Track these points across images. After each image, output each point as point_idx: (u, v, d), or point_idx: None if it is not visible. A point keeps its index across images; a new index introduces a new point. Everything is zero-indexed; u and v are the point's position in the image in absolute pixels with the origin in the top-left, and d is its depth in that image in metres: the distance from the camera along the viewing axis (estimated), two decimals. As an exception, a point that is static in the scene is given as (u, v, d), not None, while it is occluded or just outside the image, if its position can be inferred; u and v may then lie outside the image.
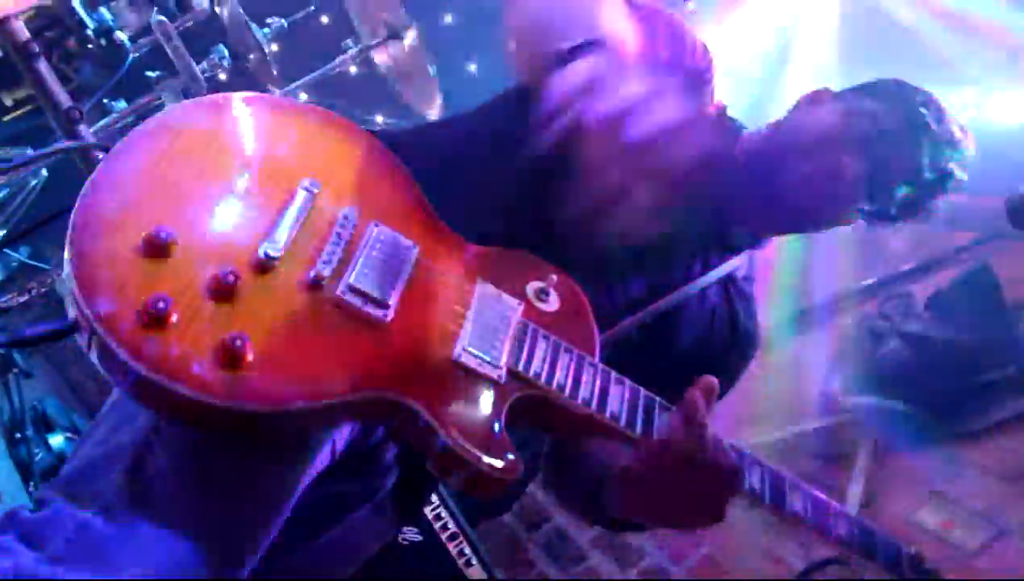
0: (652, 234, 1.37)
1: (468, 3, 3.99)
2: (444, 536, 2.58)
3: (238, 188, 1.06)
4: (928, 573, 1.41)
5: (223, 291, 0.97)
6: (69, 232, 0.95)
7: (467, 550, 2.60)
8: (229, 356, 0.93)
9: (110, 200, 0.98)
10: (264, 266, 1.01)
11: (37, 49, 1.54)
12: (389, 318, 1.05)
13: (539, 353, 1.12)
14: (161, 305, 0.92)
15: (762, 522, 3.04)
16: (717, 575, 2.96)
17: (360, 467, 1.30)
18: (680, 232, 1.45)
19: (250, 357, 0.94)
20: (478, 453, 1.00)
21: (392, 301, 1.06)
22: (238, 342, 0.93)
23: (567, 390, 1.12)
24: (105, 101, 2.56)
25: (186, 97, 2.45)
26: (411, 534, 2.60)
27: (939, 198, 1.48)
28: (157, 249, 0.96)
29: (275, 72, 2.69)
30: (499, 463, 1.01)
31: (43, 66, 1.57)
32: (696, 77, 1.44)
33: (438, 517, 2.62)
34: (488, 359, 1.08)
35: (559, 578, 3.28)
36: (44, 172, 2.74)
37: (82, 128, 1.49)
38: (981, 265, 3.09)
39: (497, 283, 1.18)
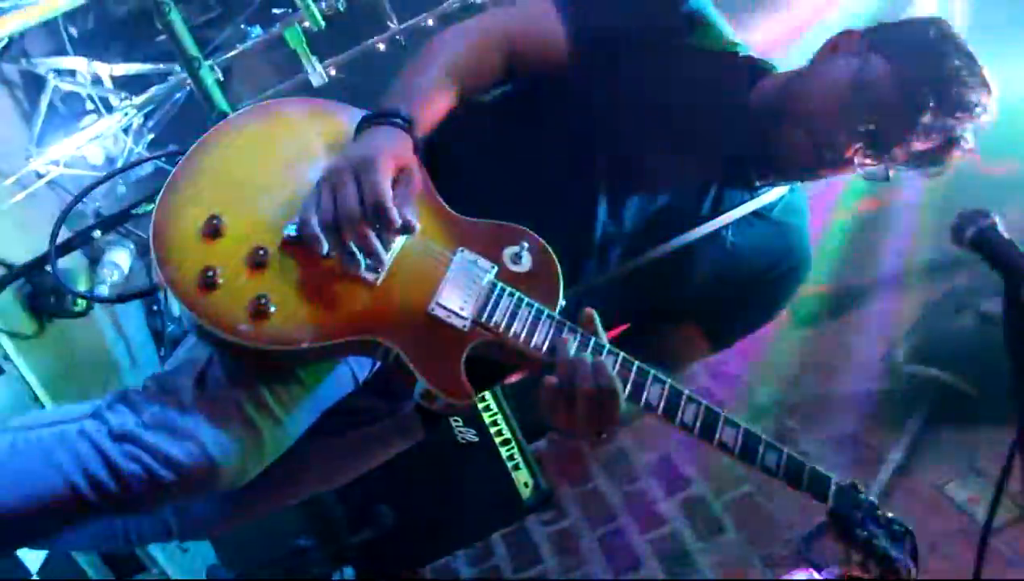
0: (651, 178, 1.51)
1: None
2: (497, 440, 2.89)
3: (271, 181, 1.37)
4: (869, 504, 1.33)
5: (257, 262, 1.29)
6: (152, 216, 1.30)
7: (516, 454, 2.90)
8: (256, 311, 1.27)
9: (182, 193, 1.33)
10: (287, 243, 1.31)
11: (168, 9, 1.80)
12: (379, 281, 1.33)
13: (502, 307, 1.35)
14: (210, 274, 1.26)
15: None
16: (751, 511, 3.13)
17: (386, 389, 1.63)
18: (680, 172, 1.53)
19: (272, 310, 1.27)
20: (433, 384, 1.29)
21: (383, 267, 1.33)
22: (263, 300, 1.27)
23: (521, 338, 1.35)
24: (243, 27, 2.98)
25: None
26: (468, 435, 2.93)
27: (945, 160, 1.43)
28: (212, 231, 1.29)
29: (388, 7, 2.92)
30: (449, 392, 1.29)
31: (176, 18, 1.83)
32: (676, 27, 1.52)
33: (494, 423, 2.94)
34: (456, 311, 1.34)
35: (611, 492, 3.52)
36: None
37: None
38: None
39: (476, 250, 1.41)
